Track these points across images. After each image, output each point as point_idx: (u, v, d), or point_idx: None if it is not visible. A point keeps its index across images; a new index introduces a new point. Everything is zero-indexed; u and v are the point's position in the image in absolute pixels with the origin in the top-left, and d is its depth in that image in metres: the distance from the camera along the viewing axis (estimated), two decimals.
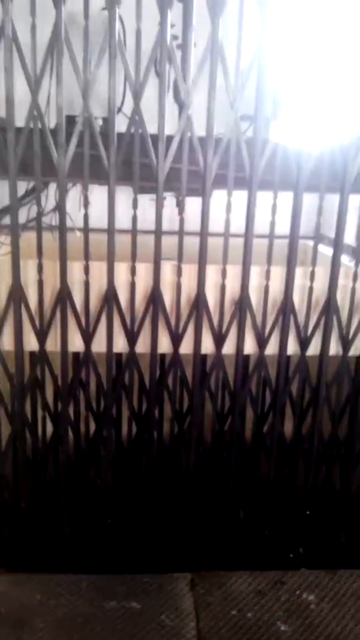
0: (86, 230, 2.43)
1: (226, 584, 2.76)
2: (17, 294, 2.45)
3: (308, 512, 2.83)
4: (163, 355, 2.72)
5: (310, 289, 2.58)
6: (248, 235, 2.47)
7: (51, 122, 2.37)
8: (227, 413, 2.82)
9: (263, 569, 2.82)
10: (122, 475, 2.78)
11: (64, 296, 2.46)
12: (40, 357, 2.54)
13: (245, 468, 2.79)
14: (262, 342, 2.61)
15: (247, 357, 2.69)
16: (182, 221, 2.45)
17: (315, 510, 2.87)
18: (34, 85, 2.30)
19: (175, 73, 2.31)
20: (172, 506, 2.83)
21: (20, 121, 2.31)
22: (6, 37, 2.23)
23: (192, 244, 2.48)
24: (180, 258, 2.48)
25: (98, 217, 2.48)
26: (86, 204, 2.40)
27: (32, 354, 2.65)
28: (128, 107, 2.41)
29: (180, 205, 2.44)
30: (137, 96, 2.33)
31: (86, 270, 2.46)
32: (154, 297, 2.50)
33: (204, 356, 2.64)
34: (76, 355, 2.71)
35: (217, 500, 2.83)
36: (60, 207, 2.40)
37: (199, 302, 2.52)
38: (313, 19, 2.33)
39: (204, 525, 2.87)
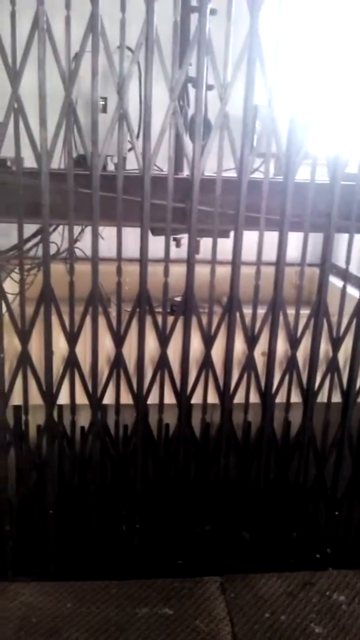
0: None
1: (256, 586, 2.74)
2: (47, 296, 2.39)
3: (337, 513, 2.82)
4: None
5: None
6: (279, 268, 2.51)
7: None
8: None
9: (290, 571, 2.82)
10: (152, 480, 2.73)
11: (95, 301, 2.41)
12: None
13: (275, 470, 2.77)
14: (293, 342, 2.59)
15: None
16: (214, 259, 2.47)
17: (343, 510, 2.87)
18: (68, 82, 2.22)
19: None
20: (200, 510, 2.79)
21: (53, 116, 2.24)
22: (40, 29, 2.15)
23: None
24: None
25: (107, 248, 2.49)
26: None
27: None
28: None
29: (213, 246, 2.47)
30: (173, 91, 2.27)
31: (119, 270, 2.41)
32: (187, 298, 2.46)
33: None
34: None
35: (245, 502, 2.80)
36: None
37: (232, 303, 2.49)
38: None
39: (232, 527, 2.84)
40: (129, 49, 2.25)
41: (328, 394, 2.70)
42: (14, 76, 2.20)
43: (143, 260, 2.40)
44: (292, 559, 2.88)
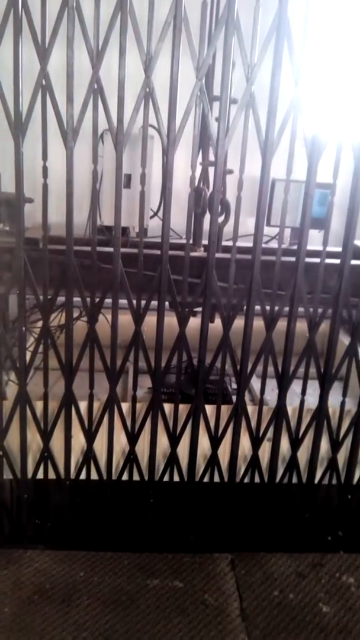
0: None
1: (266, 565, 2.77)
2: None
3: (350, 496, 2.84)
4: None
5: None
6: None
7: None
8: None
9: (301, 551, 2.84)
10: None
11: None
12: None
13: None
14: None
15: None
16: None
17: (356, 493, 2.89)
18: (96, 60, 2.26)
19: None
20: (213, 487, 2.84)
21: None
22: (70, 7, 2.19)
23: None
24: None
25: None
26: None
27: None
28: None
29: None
30: (199, 70, 2.29)
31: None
32: None
33: None
34: None
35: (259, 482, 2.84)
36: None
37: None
38: None
39: (244, 507, 2.88)
40: None
41: (345, 376, 2.72)
42: (43, 54, 2.24)
43: (159, 331, 2.56)
44: (303, 540, 2.90)
